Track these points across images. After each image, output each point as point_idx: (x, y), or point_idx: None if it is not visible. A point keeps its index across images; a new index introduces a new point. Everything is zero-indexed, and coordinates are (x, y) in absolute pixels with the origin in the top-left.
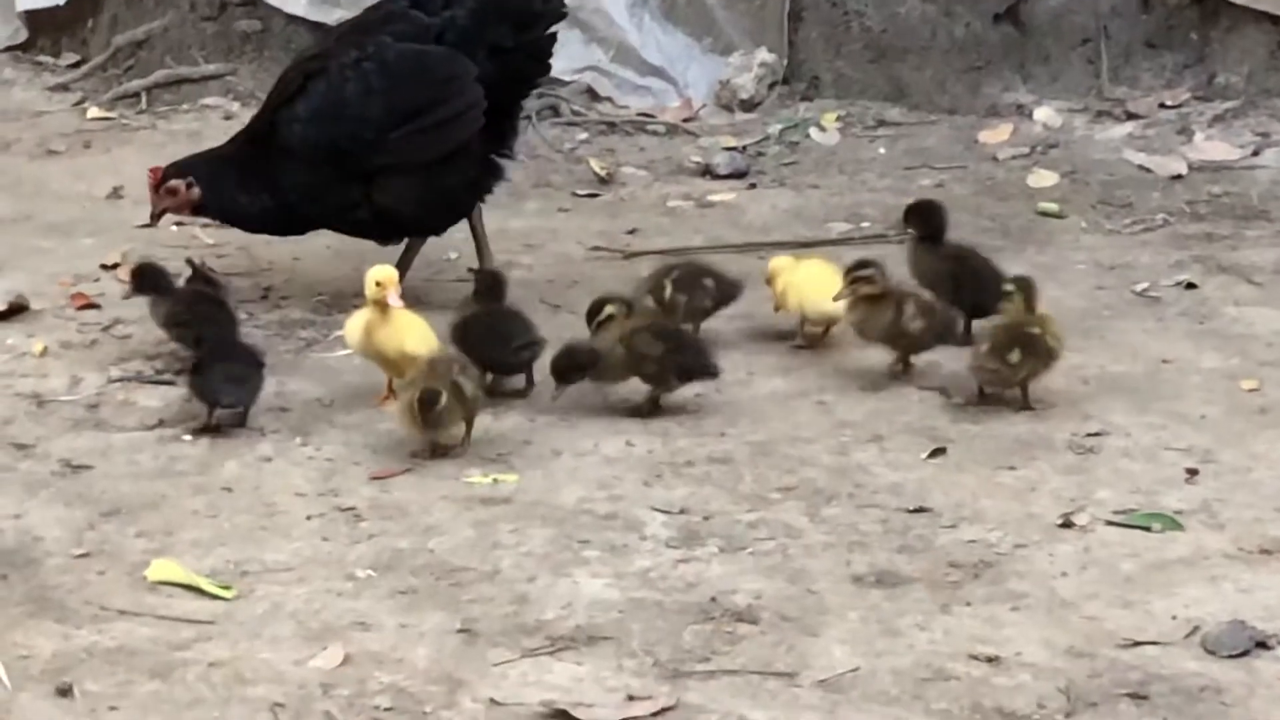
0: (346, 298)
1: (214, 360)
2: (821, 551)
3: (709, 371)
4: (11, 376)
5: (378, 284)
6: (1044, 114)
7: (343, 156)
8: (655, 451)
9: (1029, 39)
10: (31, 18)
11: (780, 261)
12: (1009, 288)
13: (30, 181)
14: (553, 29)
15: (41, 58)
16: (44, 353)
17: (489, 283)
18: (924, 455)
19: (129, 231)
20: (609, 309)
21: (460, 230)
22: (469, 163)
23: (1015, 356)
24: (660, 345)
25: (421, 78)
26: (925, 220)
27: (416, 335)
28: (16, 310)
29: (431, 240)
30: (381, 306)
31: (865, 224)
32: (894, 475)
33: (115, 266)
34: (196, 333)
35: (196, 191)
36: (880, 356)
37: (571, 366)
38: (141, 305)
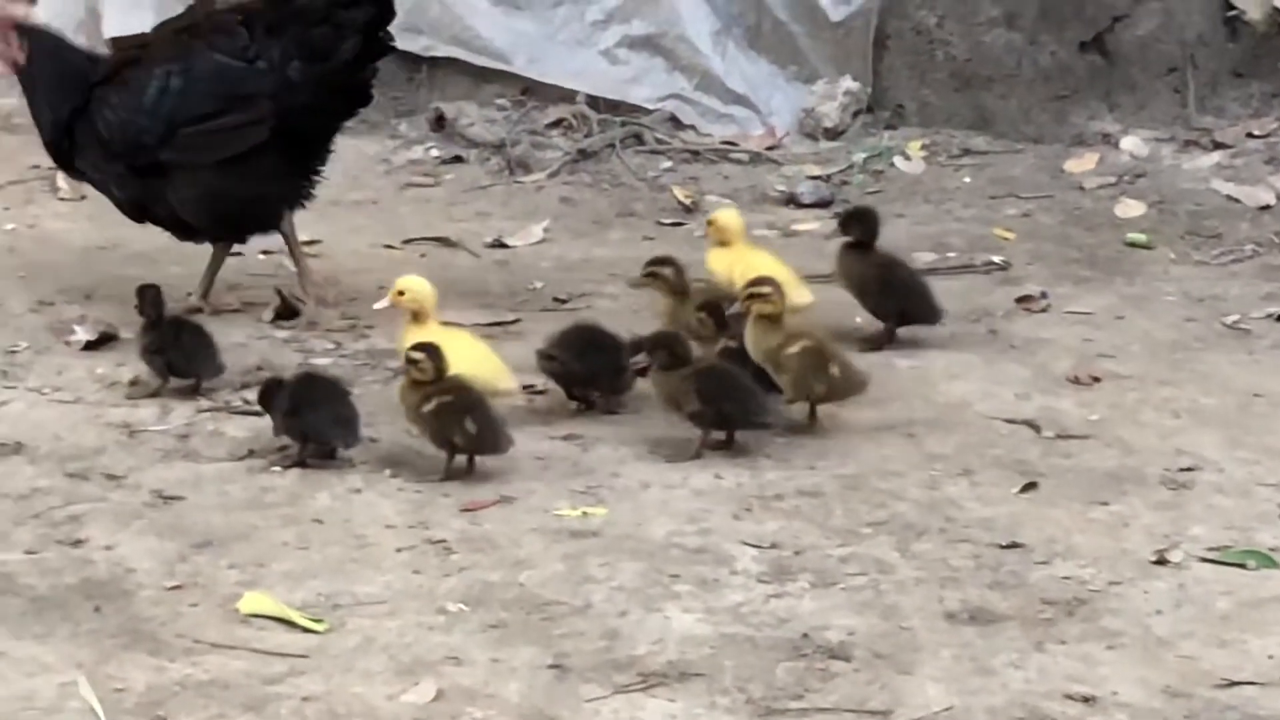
0: None
1: (313, 399)
2: (913, 587)
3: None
4: (102, 406)
5: (399, 292)
6: (1131, 143)
7: (133, 150)
8: (744, 485)
9: (1115, 68)
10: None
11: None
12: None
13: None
14: (371, 65)
15: None
16: (134, 382)
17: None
18: (1015, 490)
19: None
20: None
21: (546, 259)
22: (258, 177)
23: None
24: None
25: (215, 89)
26: (865, 227)
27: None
28: (106, 339)
29: (517, 269)
30: (415, 317)
31: (951, 254)
32: (985, 510)
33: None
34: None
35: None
36: (970, 389)
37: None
38: (230, 335)
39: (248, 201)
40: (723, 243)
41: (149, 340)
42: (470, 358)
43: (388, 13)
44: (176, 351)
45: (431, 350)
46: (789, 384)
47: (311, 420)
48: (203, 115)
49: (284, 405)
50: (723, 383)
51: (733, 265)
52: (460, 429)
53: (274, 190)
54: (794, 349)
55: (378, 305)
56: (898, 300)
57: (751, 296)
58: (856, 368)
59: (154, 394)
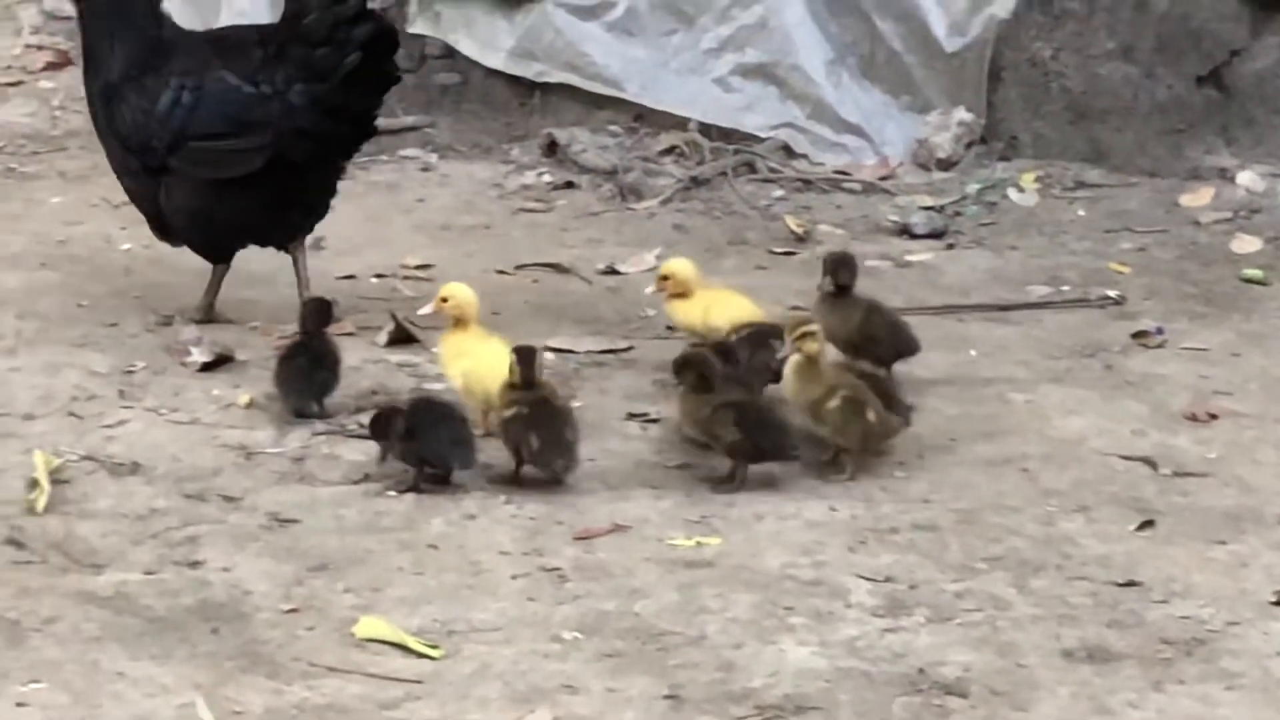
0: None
1: (430, 422)
2: (1030, 624)
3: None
4: (218, 428)
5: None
6: (1247, 178)
7: (144, 150)
8: (859, 517)
9: (1232, 102)
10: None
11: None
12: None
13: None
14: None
15: None
16: (250, 404)
17: (316, 308)
18: (1132, 527)
19: (330, 283)
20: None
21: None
22: (247, 203)
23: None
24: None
25: (223, 110)
26: (851, 272)
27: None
28: (222, 361)
29: (629, 296)
30: (456, 323)
31: (1065, 287)
32: (1102, 547)
33: None
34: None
35: None
36: (1086, 425)
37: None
38: (345, 359)
39: (231, 225)
40: (680, 294)
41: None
42: (484, 371)
43: (388, 35)
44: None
45: (525, 356)
46: (829, 435)
47: (427, 444)
48: (210, 134)
49: (399, 431)
50: (761, 416)
51: (705, 310)
52: (525, 441)
53: (260, 218)
54: (834, 402)
55: (422, 311)
56: (888, 345)
57: (802, 336)
58: (891, 414)
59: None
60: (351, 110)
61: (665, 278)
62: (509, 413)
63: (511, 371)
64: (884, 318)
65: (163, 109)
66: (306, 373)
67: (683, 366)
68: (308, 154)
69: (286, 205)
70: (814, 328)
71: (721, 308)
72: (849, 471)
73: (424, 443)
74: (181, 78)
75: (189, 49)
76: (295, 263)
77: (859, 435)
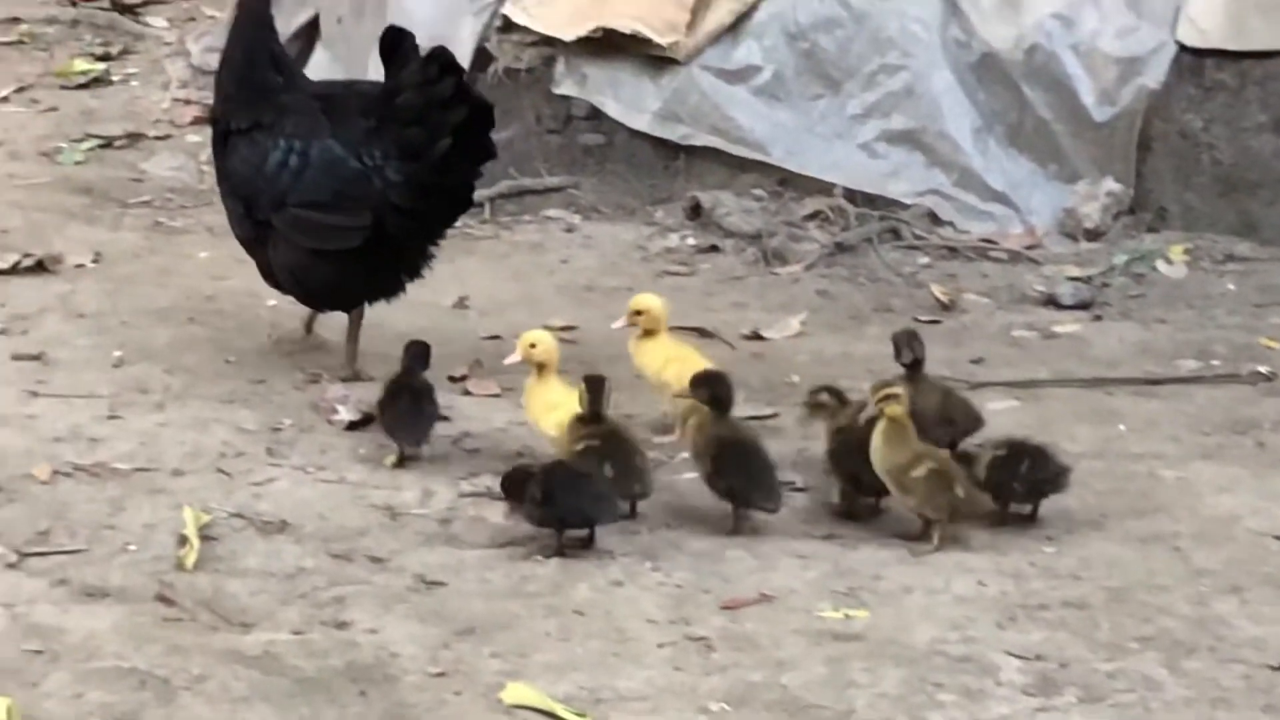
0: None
1: (567, 482)
2: (1183, 707)
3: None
4: (365, 488)
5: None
6: None
7: (248, 203)
8: (1008, 593)
9: None
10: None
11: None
12: None
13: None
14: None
15: None
16: (397, 464)
17: (418, 351)
18: None
19: (474, 342)
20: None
21: (803, 352)
22: (347, 272)
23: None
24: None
25: (326, 181)
26: (922, 346)
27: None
28: (368, 420)
29: (774, 362)
30: (539, 370)
31: (1215, 362)
32: (1256, 629)
33: (463, 379)
34: None
35: None
36: (1238, 503)
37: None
38: (491, 421)
39: (328, 285)
40: (650, 332)
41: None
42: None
43: (485, 116)
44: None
45: (594, 386)
46: (916, 505)
47: (567, 503)
48: (311, 203)
49: (536, 494)
50: (740, 460)
51: (665, 362)
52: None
53: (357, 284)
54: (921, 471)
55: (508, 360)
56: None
57: (886, 398)
58: (978, 490)
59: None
60: (447, 187)
61: (638, 313)
62: (579, 446)
63: (581, 401)
64: (958, 399)
65: (271, 168)
66: (411, 412)
67: (698, 383)
68: (404, 230)
69: (383, 272)
70: (898, 390)
71: (679, 365)
72: (936, 543)
73: (562, 505)
74: (290, 139)
75: (302, 107)
76: (351, 320)
77: (946, 507)
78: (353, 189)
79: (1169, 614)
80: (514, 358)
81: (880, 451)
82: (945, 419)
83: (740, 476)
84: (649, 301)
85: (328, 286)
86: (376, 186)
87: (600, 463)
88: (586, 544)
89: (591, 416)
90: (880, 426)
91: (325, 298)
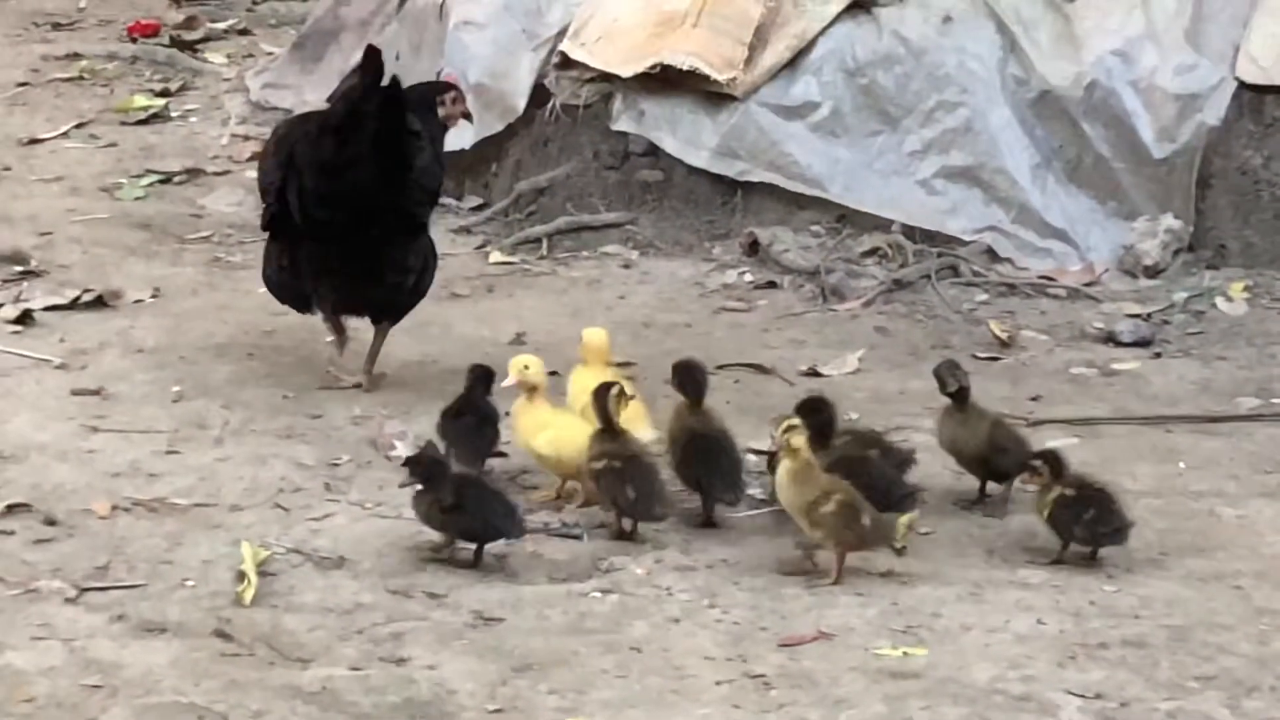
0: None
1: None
2: None
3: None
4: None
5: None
6: None
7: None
8: (1067, 631)
9: None
10: None
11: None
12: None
13: (436, 324)
14: None
15: (445, 200)
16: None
17: (482, 373)
18: None
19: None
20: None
21: (861, 389)
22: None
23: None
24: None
25: None
26: (965, 375)
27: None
28: None
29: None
30: (530, 394)
31: (1276, 400)
32: None
33: None
34: None
35: None
36: None
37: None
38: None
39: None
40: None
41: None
42: (569, 440)
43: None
44: None
45: (602, 395)
46: (824, 538)
47: (475, 515)
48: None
49: (446, 500)
50: (707, 452)
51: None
52: (622, 493)
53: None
54: (830, 506)
55: (504, 383)
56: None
57: (789, 429)
58: (885, 517)
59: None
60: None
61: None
62: (599, 465)
63: (594, 413)
64: (1007, 428)
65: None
66: (474, 430)
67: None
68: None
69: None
70: (797, 422)
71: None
72: (835, 576)
73: (472, 514)
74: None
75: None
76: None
77: (855, 539)
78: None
79: (1230, 653)
80: (510, 381)
81: (788, 490)
82: (997, 448)
83: (705, 467)
84: (591, 336)
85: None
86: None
87: (622, 485)
88: (475, 560)
89: (605, 425)
90: (785, 465)
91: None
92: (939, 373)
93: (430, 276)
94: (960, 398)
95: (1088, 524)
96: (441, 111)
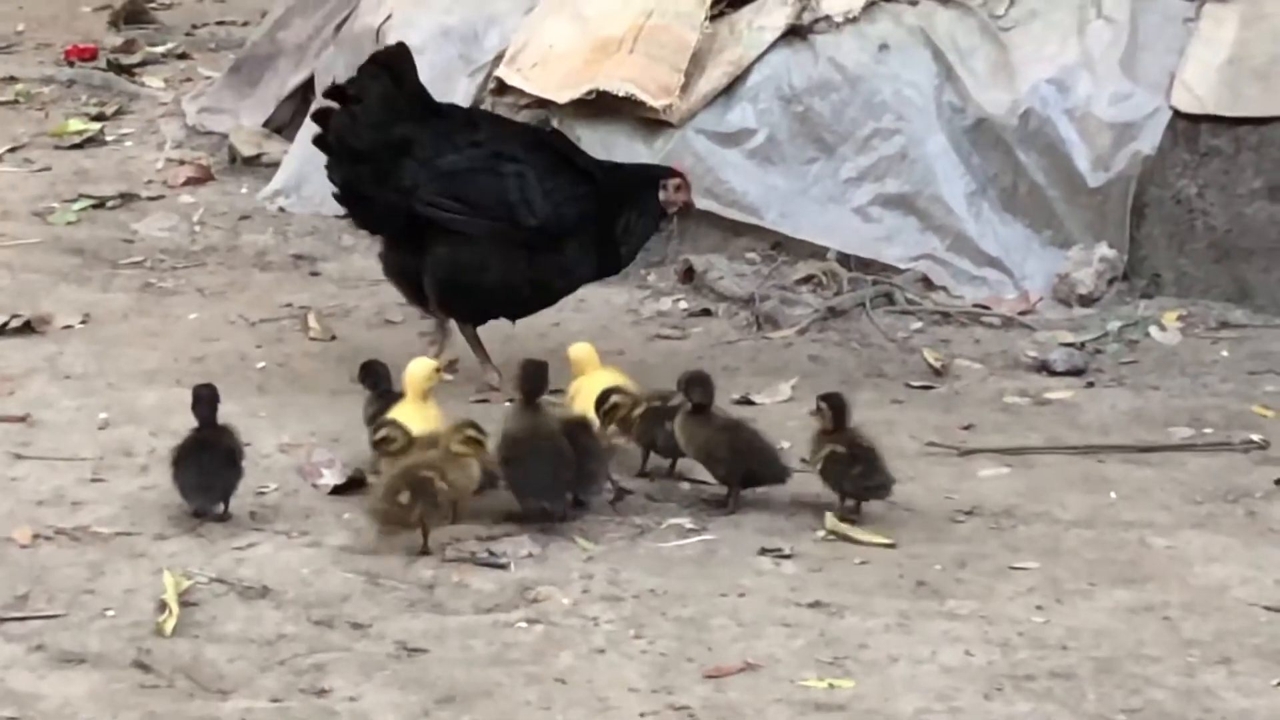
0: (675, 487)
1: None
2: None
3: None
4: (349, 553)
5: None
6: None
7: None
8: (995, 663)
9: None
10: None
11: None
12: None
13: (367, 352)
14: None
15: None
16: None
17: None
18: (1276, 681)
19: (465, 405)
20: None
21: (793, 418)
22: None
23: (405, 498)
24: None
25: None
26: (705, 390)
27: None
28: (354, 485)
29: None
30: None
31: (1207, 429)
32: (1245, 701)
33: None
34: None
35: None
36: (1228, 573)
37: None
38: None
39: None
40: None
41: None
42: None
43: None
44: None
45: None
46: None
47: None
48: None
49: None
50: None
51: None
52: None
53: None
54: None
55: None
56: (745, 462)
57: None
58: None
59: None
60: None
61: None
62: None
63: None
64: (735, 438)
65: None
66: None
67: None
68: None
69: None
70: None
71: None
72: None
73: None
74: None
75: None
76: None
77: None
78: None
79: (1157, 685)
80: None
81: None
82: (710, 458)
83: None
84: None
85: None
86: None
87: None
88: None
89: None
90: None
91: None
92: (681, 382)
93: None
94: (700, 411)
95: (855, 479)
96: (663, 195)
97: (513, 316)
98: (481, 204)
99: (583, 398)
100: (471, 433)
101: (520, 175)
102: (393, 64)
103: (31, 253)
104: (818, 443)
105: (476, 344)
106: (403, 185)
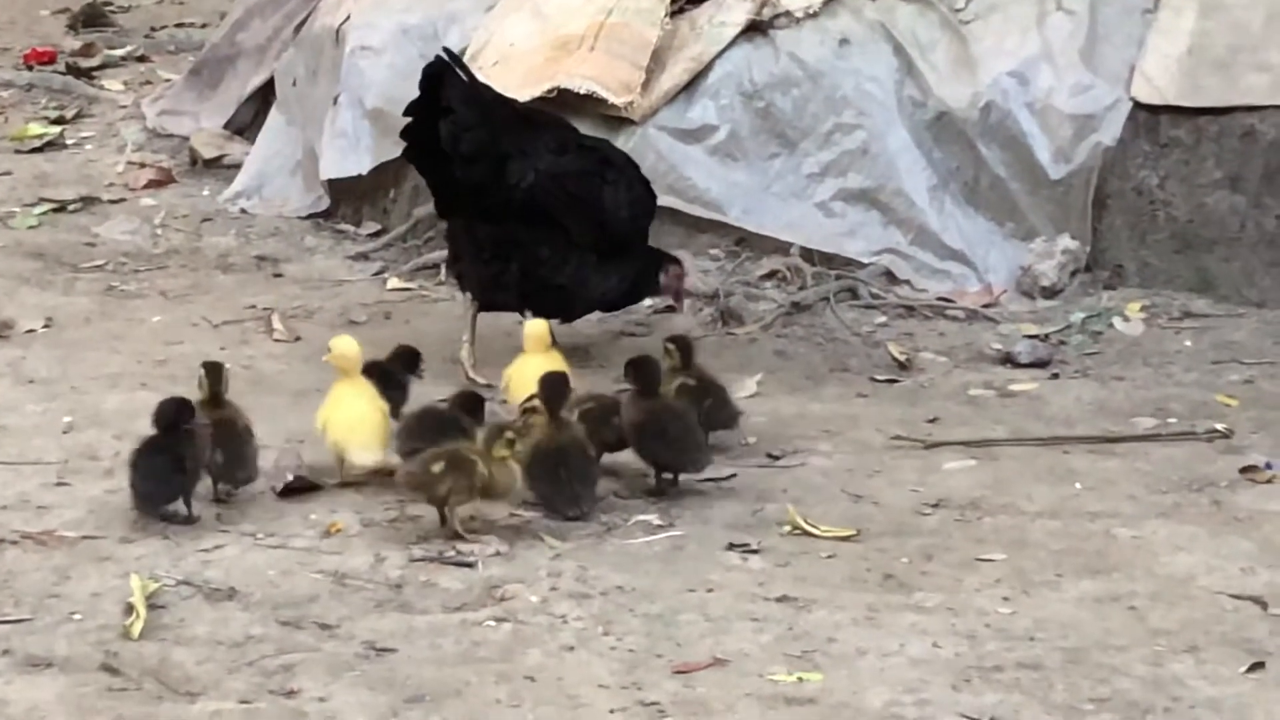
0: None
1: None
2: None
3: None
4: (316, 554)
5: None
6: None
7: None
8: (963, 654)
9: None
10: (333, 186)
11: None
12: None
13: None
14: None
15: (343, 226)
16: (337, 530)
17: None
18: (1242, 669)
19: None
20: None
21: (759, 413)
22: None
23: (438, 468)
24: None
25: None
26: (640, 374)
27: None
28: (306, 488)
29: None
30: (343, 374)
31: (1171, 419)
32: (1212, 689)
33: None
34: None
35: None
36: (1194, 562)
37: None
38: None
39: None
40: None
41: None
42: (354, 417)
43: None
44: None
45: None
46: None
47: None
48: None
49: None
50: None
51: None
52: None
53: None
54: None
55: (325, 358)
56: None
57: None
58: None
59: None
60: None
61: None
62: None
63: (200, 385)
64: (665, 421)
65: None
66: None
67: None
68: None
69: None
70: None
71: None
72: None
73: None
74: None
75: None
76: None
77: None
78: None
79: (1124, 674)
80: (325, 359)
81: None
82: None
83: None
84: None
85: None
86: None
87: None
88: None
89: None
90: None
91: None
92: (627, 367)
93: None
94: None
95: (706, 411)
96: (662, 278)
97: (567, 317)
98: (582, 205)
99: (516, 384)
100: (510, 435)
101: (615, 185)
102: (458, 66)
103: None
104: (668, 378)
105: (472, 326)
106: (520, 182)
